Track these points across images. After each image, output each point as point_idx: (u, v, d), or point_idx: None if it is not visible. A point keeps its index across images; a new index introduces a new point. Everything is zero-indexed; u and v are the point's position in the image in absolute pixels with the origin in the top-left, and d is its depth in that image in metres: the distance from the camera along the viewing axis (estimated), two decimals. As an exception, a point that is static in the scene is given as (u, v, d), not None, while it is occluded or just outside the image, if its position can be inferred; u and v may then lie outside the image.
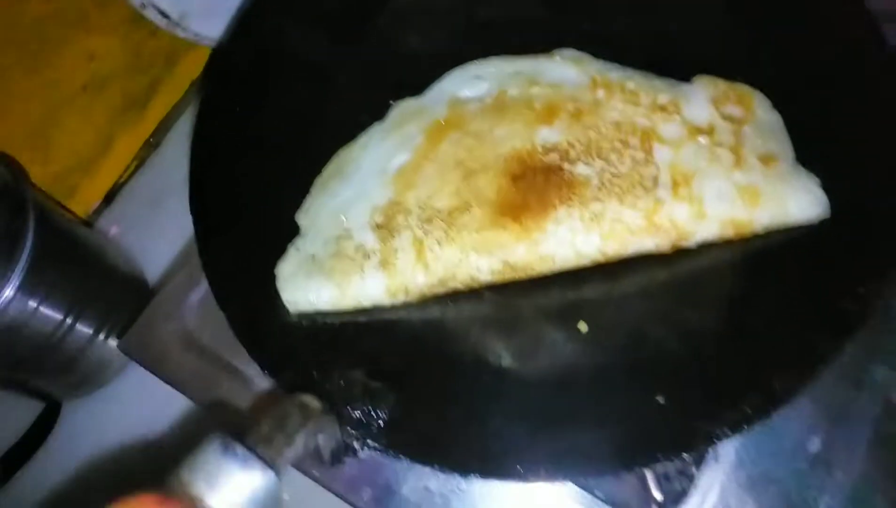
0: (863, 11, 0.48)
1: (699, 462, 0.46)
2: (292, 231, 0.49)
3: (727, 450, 0.47)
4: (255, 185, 0.50)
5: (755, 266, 0.45)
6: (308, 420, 0.35)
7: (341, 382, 0.42)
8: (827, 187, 0.44)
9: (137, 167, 0.82)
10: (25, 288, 0.57)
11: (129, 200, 0.79)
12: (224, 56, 0.58)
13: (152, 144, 0.81)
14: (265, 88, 0.53)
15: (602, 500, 0.46)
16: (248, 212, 0.49)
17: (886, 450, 0.47)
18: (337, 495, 0.47)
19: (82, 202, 0.75)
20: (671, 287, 0.46)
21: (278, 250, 0.47)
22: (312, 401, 0.36)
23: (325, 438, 0.37)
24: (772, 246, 0.45)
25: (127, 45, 0.75)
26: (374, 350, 0.45)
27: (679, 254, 0.45)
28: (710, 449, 0.47)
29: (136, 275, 0.69)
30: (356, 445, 0.41)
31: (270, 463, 0.31)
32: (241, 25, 0.56)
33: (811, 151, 0.46)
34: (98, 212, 0.77)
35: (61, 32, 0.67)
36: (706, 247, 0.45)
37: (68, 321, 0.62)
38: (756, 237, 0.45)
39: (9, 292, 0.55)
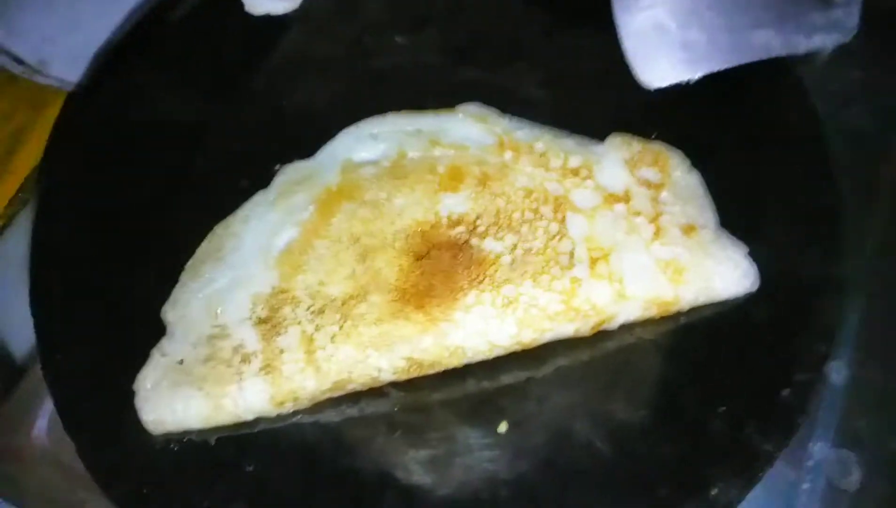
0: (793, 78, 0.45)
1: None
2: (156, 331, 0.41)
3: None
4: (111, 274, 0.42)
5: (682, 348, 0.41)
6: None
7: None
8: (754, 255, 0.41)
9: (5, 227, 0.72)
10: None
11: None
12: (70, 117, 0.50)
13: (21, 200, 0.72)
14: (122, 154, 0.46)
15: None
16: (102, 310, 0.41)
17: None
18: None
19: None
20: (595, 374, 0.41)
21: (139, 356, 0.40)
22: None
23: None
24: (699, 324, 0.41)
25: None
26: (259, 473, 0.38)
27: (602, 335, 0.41)
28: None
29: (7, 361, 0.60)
30: None
31: None
32: (93, 80, 0.48)
33: (734, 215, 0.42)
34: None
35: None
36: (630, 326, 0.41)
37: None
38: (682, 314, 0.41)
39: None
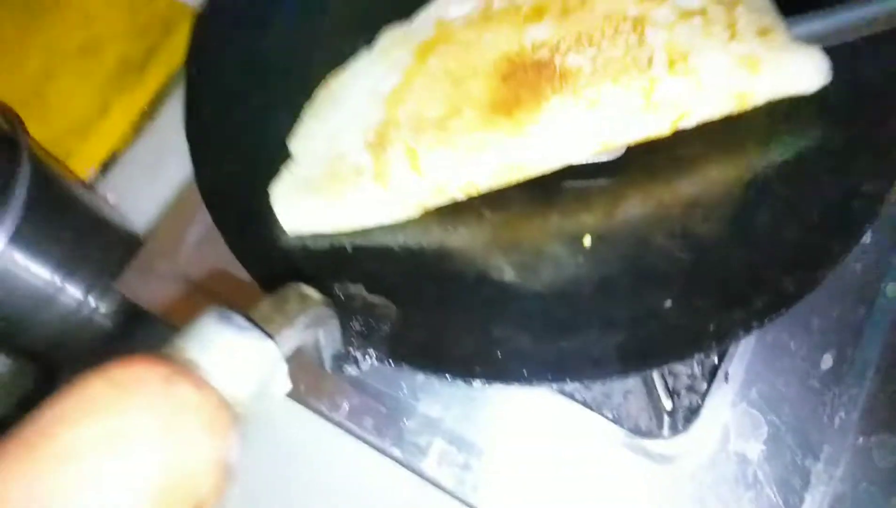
0: None
1: (709, 377, 0.45)
2: (285, 157, 0.48)
3: (736, 369, 0.46)
4: (249, 111, 0.49)
5: (759, 177, 0.45)
6: (308, 309, 0.33)
7: (341, 296, 0.41)
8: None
9: (135, 136, 0.81)
10: (18, 236, 0.56)
11: (124, 168, 0.78)
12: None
13: (148, 113, 0.80)
14: (260, 19, 0.53)
15: (611, 420, 0.45)
16: (242, 137, 0.48)
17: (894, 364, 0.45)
18: (337, 425, 0.46)
19: (77, 167, 0.74)
20: (677, 200, 0.45)
21: (273, 174, 0.47)
22: (313, 292, 0.35)
23: (326, 336, 0.36)
24: (774, 159, 0.45)
25: (124, 10, 0.75)
26: (374, 269, 0.44)
27: (683, 168, 0.44)
28: (719, 370, 0.46)
29: (131, 237, 0.69)
30: (357, 355, 0.40)
31: (269, 334, 0.30)
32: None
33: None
34: (93, 179, 0.77)
35: None
36: (711, 160, 0.45)
37: (60, 275, 0.61)
38: (759, 151, 0.45)
39: (4, 231, 0.54)
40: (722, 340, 0.38)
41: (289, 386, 0.31)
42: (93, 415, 0.24)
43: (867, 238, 0.49)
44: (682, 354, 0.38)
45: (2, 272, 0.56)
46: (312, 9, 0.54)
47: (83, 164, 0.76)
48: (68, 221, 0.64)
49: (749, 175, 0.44)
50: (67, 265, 0.61)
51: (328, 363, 0.38)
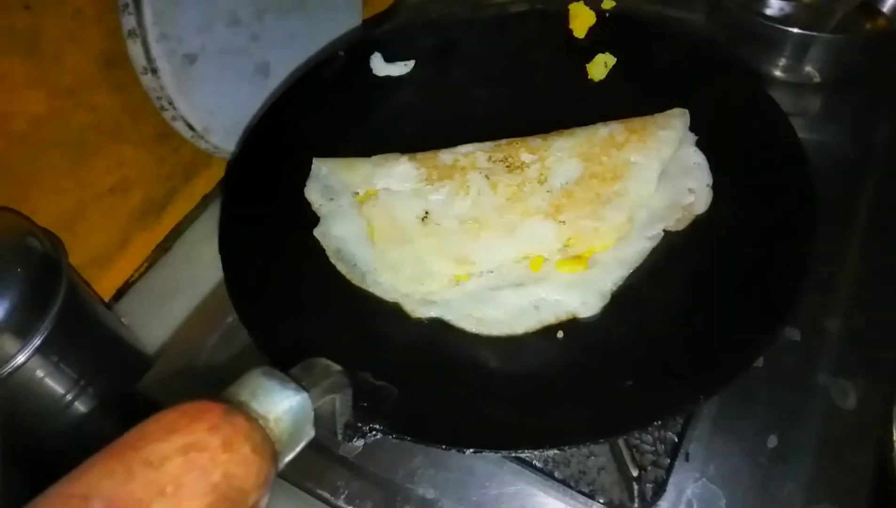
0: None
1: (672, 454, 0.51)
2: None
3: (696, 449, 0.52)
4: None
5: (696, 282, 0.54)
6: (330, 375, 0.40)
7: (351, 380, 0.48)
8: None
9: (149, 267, 0.88)
10: (49, 342, 0.62)
11: (139, 296, 0.85)
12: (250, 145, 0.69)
13: (164, 247, 0.88)
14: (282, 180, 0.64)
15: (586, 495, 0.50)
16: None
17: (833, 445, 0.52)
18: None
19: (98, 293, 0.81)
20: (632, 306, 0.54)
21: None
22: (334, 364, 0.42)
23: (341, 404, 0.42)
24: (708, 267, 0.55)
25: (152, 157, 0.85)
26: (381, 359, 0.51)
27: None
28: (680, 450, 0.52)
29: (142, 356, 0.74)
30: (365, 428, 0.46)
31: (303, 388, 0.37)
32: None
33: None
34: (110, 304, 0.83)
35: (99, 140, 0.76)
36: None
37: (80, 384, 0.66)
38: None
39: (37, 340, 0.60)
40: (674, 411, 0.46)
41: (313, 434, 0.38)
42: (170, 433, 0.30)
43: (797, 335, 0.58)
44: (641, 424, 0.45)
45: (27, 377, 0.61)
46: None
47: (102, 291, 0.82)
48: (92, 334, 0.70)
49: (689, 282, 0.54)
50: (88, 374, 0.66)
51: (340, 432, 0.44)
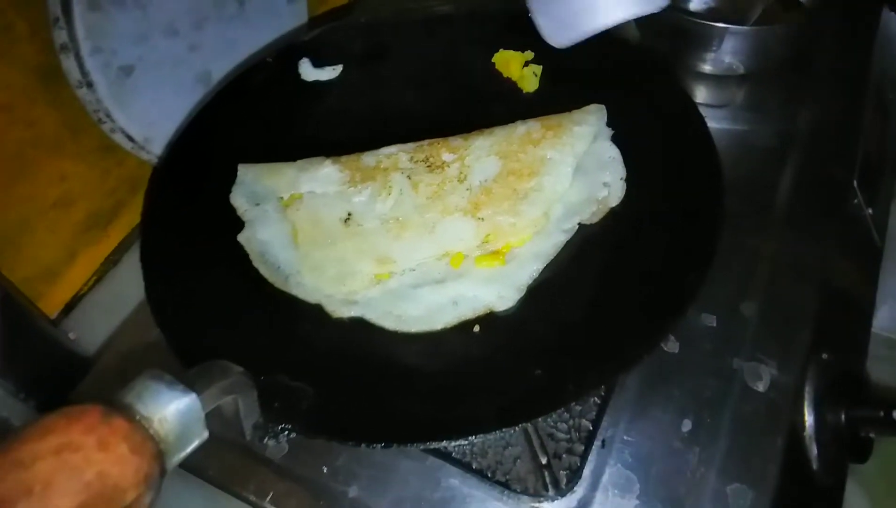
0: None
1: (586, 442, 0.53)
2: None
3: (612, 436, 0.53)
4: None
5: (608, 272, 0.56)
6: (228, 376, 0.41)
7: (263, 379, 0.49)
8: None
9: (97, 281, 0.88)
10: None
11: (87, 310, 0.85)
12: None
13: (113, 260, 0.88)
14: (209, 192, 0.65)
15: (502, 484, 0.51)
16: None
17: (746, 426, 0.54)
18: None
19: (45, 309, 0.81)
20: (543, 296, 0.55)
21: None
22: (233, 365, 0.43)
23: (245, 405, 0.43)
24: (620, 258, 0.56)
25: (95, 171, 0.85)
26: (299, 360, 0.52)
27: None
28: (596, 438, 0.53)
29: (85, 362, 0.74)
30: (277, 429, 0.47)
31: (193, 390, 0.37)
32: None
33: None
34: (58, 319, 0.83)
35: (38, 155, 0.76)
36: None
37: (19, 398, 0.67)
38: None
39: None
40: (579, 394, 0.47)
41: (206, 435, 0.38)
42: (46, 434, 0.31)
43: (713, 321, 0.59)
44: (545, 410, 0.47)
45: None
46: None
47: (50, 306, 0.82)
48: (28, 352, 0.70)
49: (598, 280, 0.55)
50: (24, 391, 0.67)
51: (248, 433, 0.45)
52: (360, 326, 0.56)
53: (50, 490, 0.30)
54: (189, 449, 0.37)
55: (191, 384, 0.38)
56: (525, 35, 0.66)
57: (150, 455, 0.34)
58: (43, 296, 0.79)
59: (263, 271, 0.59)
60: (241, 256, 0.60)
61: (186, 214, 0.62)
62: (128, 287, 0.84)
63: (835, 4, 0.79)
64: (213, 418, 0.39)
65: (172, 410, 0.36)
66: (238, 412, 0.43)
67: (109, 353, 0.67)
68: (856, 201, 0.72)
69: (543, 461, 0.49)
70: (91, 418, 0.33)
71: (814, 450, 0.56)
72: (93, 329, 0.83)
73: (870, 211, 0.75)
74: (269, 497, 0.53)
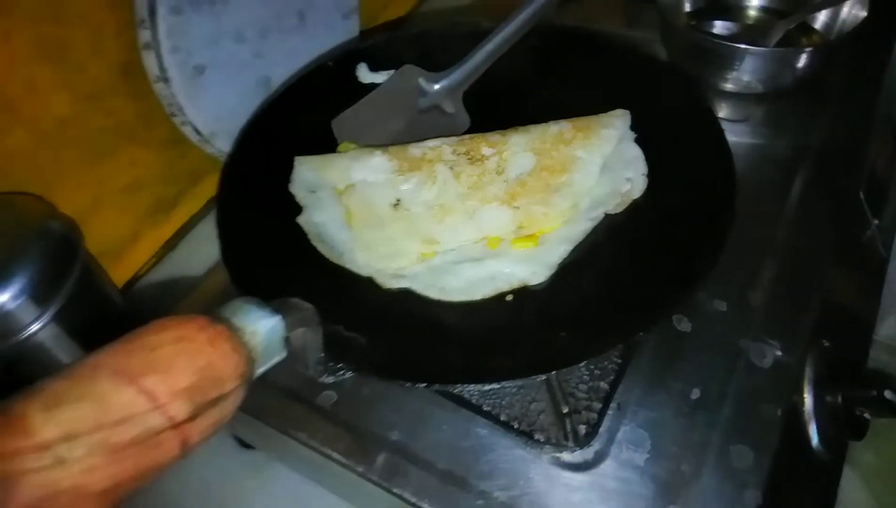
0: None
1: (603, 402, 0.59)
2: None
3: (627, 399, 0.60)
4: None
5: (629, 254, 0.63)
6: (302, 310, 0.49)
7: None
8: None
9: (155, 264, 0.95)
10: (62, 315, 0.68)
11: (145, 290, 0.92)
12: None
13: (170, 245, 0.96)
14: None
15: (526, 434, 0.58)
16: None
17: (750, 397, 0.60)
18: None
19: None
20: (577, 270, 0.63)
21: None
22: (305, 303, 0.50)
23: (311, 340, 0.50)
24: (640, 242, 0.63)
25: (163, 161, 0.92)
26: (353, 318, 0.59)
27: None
28: (612, 401, 0.59)
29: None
30: (335, 365, 0.54)
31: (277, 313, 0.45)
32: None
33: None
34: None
35: (115, 142, 0.83)
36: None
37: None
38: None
39: (51, 311, 0.66)
40: (601, 350, 0.54)
41: (284, 354, 0.46)
42: (165, 328, 0.39)
43: (724, 307, 0.65)
44: (570, 362, 0.53)
45: (38, 346, 0.68)
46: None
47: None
48: (100, 314, 0.77)
49: (620, 260, 0.62)
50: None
51: (311, 366, 0.52)
52: (406, 294, 0.63)
53: (172, 369, 0.37)
54: (270, 363, 0.45)
55: (275, 310, 0.46)
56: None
57: (245, 357, 0.41)
58: (108, 271, 0.86)
59: (321, 248, 0.67)
60: (302, 235, 0.68)
61: (254, 197, 0.70)
62: (184, 270, 0.91)
63: (849, 32, 0.85)
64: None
65: (261, 326, 0.44)
66: (304, 347, 0.50)
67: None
68: (862, 210, 0.78)
69: (565, 410, 0.55)
70: (201, 321, 0.40)
71: (812, 427, 0.61)
72: (147, 310, 0.89)
73: (876, 222, 0.81)
74: (318, 438, 0.60)
